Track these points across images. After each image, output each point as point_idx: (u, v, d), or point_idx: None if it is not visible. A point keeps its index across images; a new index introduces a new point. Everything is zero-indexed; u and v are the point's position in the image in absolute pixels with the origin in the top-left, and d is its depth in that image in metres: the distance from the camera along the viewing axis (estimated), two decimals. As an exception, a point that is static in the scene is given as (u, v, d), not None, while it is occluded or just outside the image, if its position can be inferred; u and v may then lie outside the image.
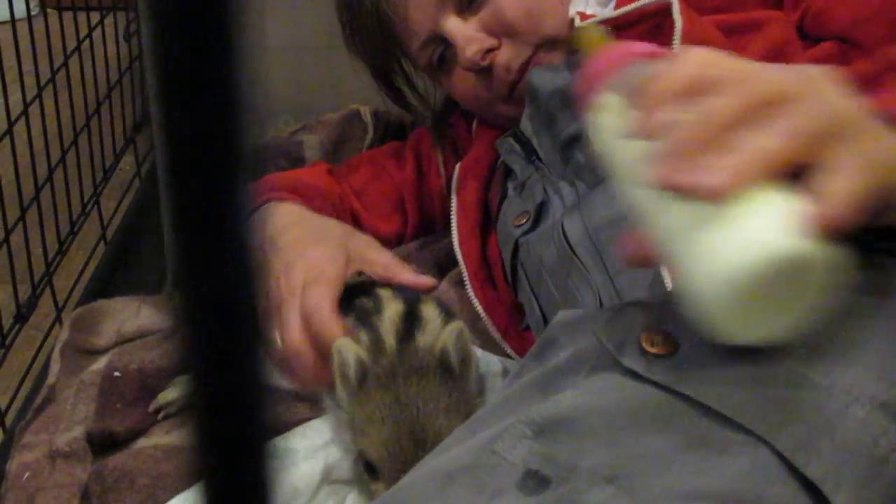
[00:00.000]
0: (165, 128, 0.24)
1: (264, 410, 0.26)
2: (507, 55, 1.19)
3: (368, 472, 0.91)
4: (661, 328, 0.68)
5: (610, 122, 0.66)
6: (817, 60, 0.97)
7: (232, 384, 0.26)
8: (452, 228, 1.28)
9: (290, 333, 1.00)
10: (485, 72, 1.21)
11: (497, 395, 0.74)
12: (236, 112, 0.24)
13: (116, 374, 1.20)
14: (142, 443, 1.16)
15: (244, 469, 0.26)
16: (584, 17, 1.14)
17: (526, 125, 1.20)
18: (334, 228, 1.19)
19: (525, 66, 1.19)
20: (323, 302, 1.00)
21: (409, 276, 1.09)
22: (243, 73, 0.24)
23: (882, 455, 0.62)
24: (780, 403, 0.63)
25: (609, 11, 1.13)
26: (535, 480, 0.62)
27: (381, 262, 1.11)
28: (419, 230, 1.45)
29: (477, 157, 1.32)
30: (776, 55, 1.01)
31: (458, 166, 1.34)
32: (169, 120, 0.24)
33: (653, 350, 0.67)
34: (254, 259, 0.26)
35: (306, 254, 1.08)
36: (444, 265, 1.35)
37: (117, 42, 1.94)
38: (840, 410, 0.63)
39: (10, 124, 1.42)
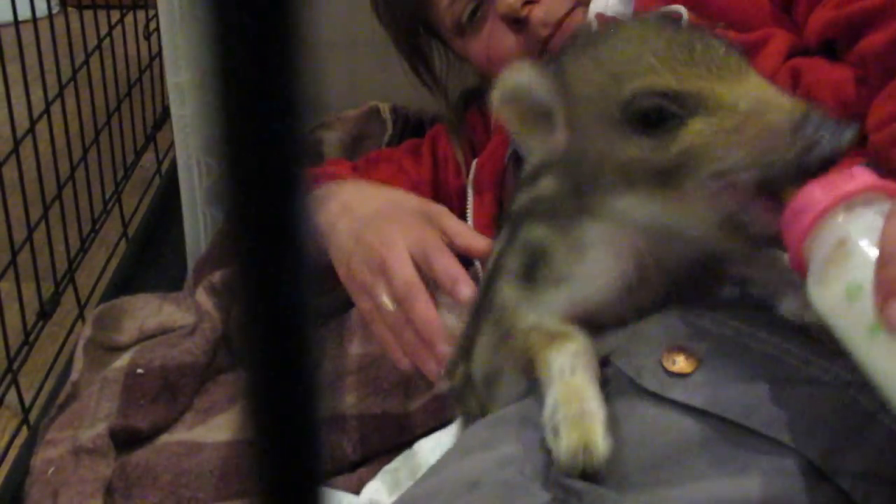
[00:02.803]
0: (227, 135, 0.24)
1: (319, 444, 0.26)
2: (546, 7, 1.16)
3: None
4: (681, 347, 0.68)
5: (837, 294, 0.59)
6: (837, 83, 0.95)
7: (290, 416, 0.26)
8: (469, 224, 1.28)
9: (420, 306, 0.99)
10: (519, 25, 1.18)
11: (511, 407, 0.73)
12: (295, 118, 0.24)
13: (139, 370, 1.21)
14: (164, 438, 1.17)
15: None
16: (602, 19, 1.13)
17: None
18: (408, 198, 1.18)
19: (561, 23, 1.16)
20: (456, 270, 1.00)
21: (483, 243, 1.07)
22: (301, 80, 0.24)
23: None
24: (805, 412, 0.63)
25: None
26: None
27: (458, 230, 1.11)
28: None
29: (493, 151, 1.31)
30: (776, 72, 0.99)
31: (474, 162, 1.34)
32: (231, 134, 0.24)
33: (674, 369, 0.67)
34: (312, 269, 0.26)
35: (400, 220, 1.08)
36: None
37: (137, 40, 1.95)
38: (869, 416, 0.63)
39: (33, 123, 1.43)
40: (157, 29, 1.56)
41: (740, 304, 0.73)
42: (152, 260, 1.70)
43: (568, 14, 1.16)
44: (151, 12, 1.90)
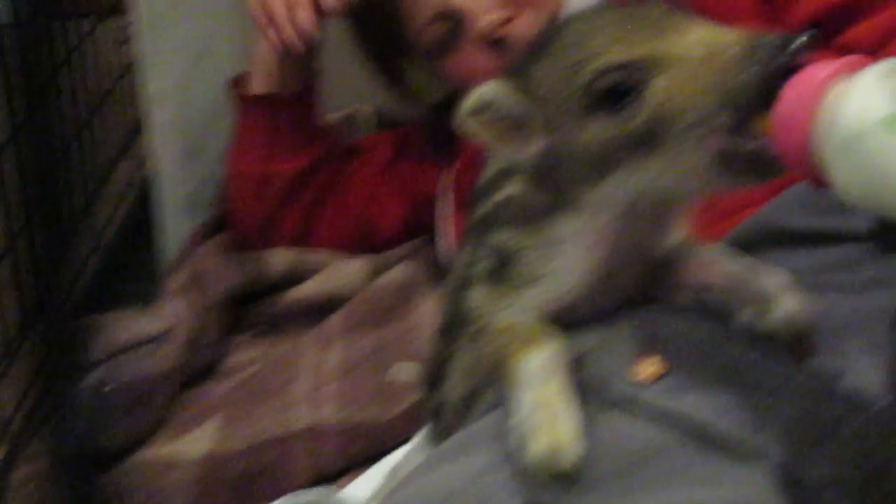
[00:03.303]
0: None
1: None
2: (522, 26, 1.18)
3: None
4: (649, 354, 0.68)
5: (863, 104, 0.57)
6: None
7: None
8: (444, 233, 1.28)
9: None
10: (496, 46, 1.19)
11: (485, 418, 0.73)
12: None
13: (106, 388, 1.19)
14: (139, 455, 1.15)
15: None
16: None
17: None
18: None
19: None
20: None
21: None
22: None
23: (882, 462, 0.63)
24: (771, 419, 0.64)
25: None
26: None
27: None
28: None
29: (467, 161, 1.32)
30: None
31: (450, 171, 1.34)
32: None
33: (642, 376, 0.67)
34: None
35: None
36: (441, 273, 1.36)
37: (112, 49, 1.94)
38: (834, 423, 0.64)
39: (14, 132, 1.42)
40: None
41: (704, 312, 0.74)
42: (126, 272, 1.68)
43: None
44: (125, 22, 1.89)
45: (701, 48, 0.64)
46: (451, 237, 1.29)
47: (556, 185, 0.71)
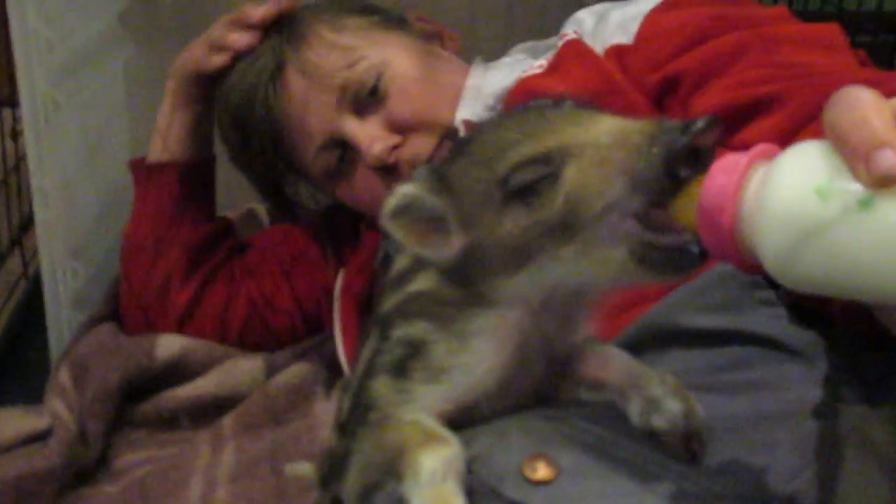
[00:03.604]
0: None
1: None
2: (413, 149, 1.20)
3: None
4: (542, 454, 0.69)
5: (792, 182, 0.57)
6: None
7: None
8: (336, 338, 1.28)
9: None
10: (389, 170, 1.21)
11: None
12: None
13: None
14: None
15: None
16: (469, 126, 1.15)
17: None
18: None
19: (431, 159, 1.19)
20: None
21: None
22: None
23: None
24: None
25: None
26: None
27: None
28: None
29: (361, 263, 1.33)
30: None
31: (341, 272, 1.35)
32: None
33: (535, 477, 0.67)
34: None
35: None
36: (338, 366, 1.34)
37: (3, 140, 1.90)
38: None
39: None
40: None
41: (601, 409, 0.74)
42: (16, 368, 1.63)
43: (436, 150, 1.19)
44: (18, 112, 1.86)
45: (608, 136, 0.65)
46: (348, 336, 1.28)
47: (469, 280, 0.72)
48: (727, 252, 0.59)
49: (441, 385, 0.72)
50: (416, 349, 0.73)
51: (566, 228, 0.65)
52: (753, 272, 0.60)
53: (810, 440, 0.73)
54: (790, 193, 0.56)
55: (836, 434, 0.74)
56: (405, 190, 0.71)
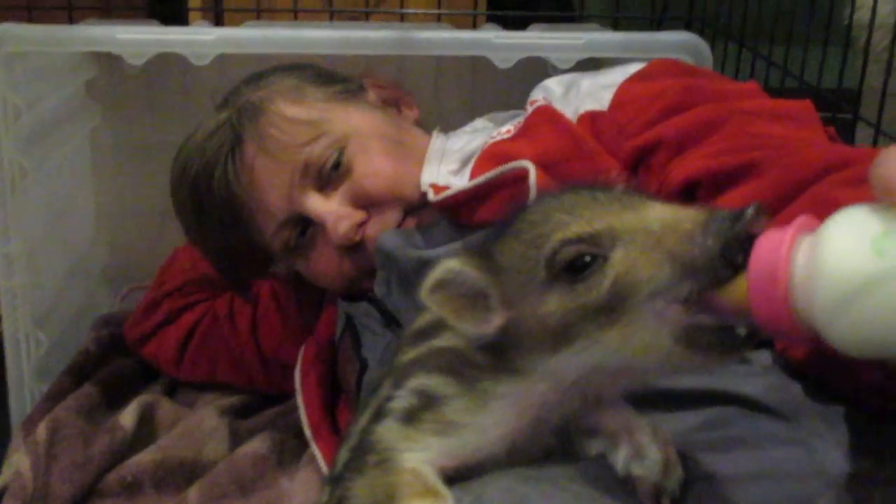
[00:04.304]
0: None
1: None
2: (379, 225, 1.17)
3: None
4: None
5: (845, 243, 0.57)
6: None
7: None
8: (300, 409, 1.29)
9: None
10: (354, 247, 1.18)
11: None
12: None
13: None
14: None
15: None
16: (437, 189, 1.14)
17: (381, 289, 1.18)
18: None
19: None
20: None
21: None
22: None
23: None
24: None
25: (465, 183, 1.11)
26: None
27: None
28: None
29: (322, 339, 1.33)
30: None
31: (302, 348, 1.35)
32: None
33: None
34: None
35: None
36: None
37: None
38: None
39: None
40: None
41: (582, 466, 0.75)
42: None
43: (399, 225, 1.18)
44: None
45: (659, 222, 0.65)
46: (310, 409, 1.28)
47: (503, 353, 0.71)
48: (782, 324, 0.59)
49: (450, 439, 0.72)
50: (430, 400, 0.73)
51: (611, 312, 0.65)
52: (808, 343, 0.60)
53: (789, 500, 0.74)
54: (844, 252, 0.56)
55: (813, 493, 0.74)
56: (449, 265, 0.71)
